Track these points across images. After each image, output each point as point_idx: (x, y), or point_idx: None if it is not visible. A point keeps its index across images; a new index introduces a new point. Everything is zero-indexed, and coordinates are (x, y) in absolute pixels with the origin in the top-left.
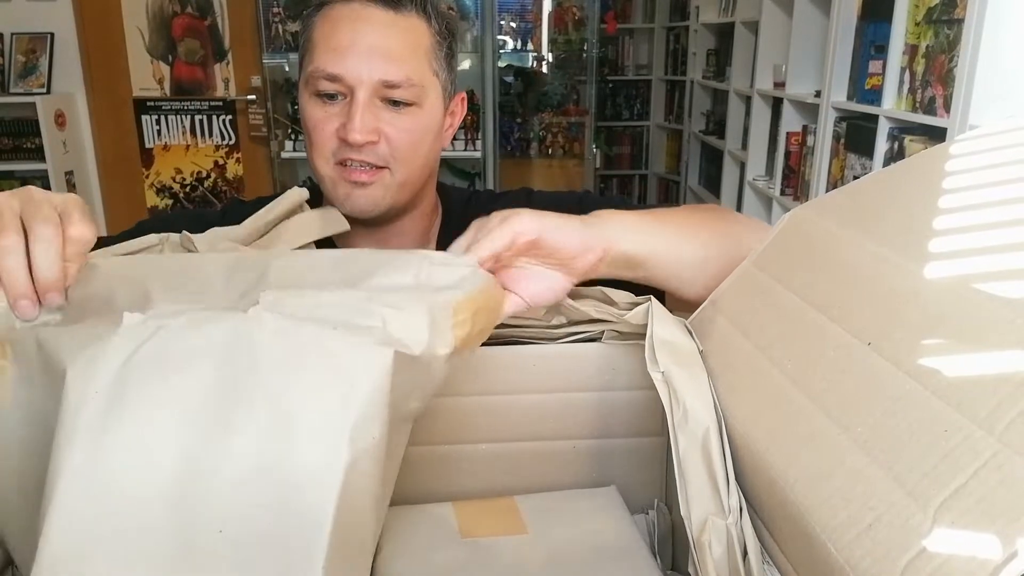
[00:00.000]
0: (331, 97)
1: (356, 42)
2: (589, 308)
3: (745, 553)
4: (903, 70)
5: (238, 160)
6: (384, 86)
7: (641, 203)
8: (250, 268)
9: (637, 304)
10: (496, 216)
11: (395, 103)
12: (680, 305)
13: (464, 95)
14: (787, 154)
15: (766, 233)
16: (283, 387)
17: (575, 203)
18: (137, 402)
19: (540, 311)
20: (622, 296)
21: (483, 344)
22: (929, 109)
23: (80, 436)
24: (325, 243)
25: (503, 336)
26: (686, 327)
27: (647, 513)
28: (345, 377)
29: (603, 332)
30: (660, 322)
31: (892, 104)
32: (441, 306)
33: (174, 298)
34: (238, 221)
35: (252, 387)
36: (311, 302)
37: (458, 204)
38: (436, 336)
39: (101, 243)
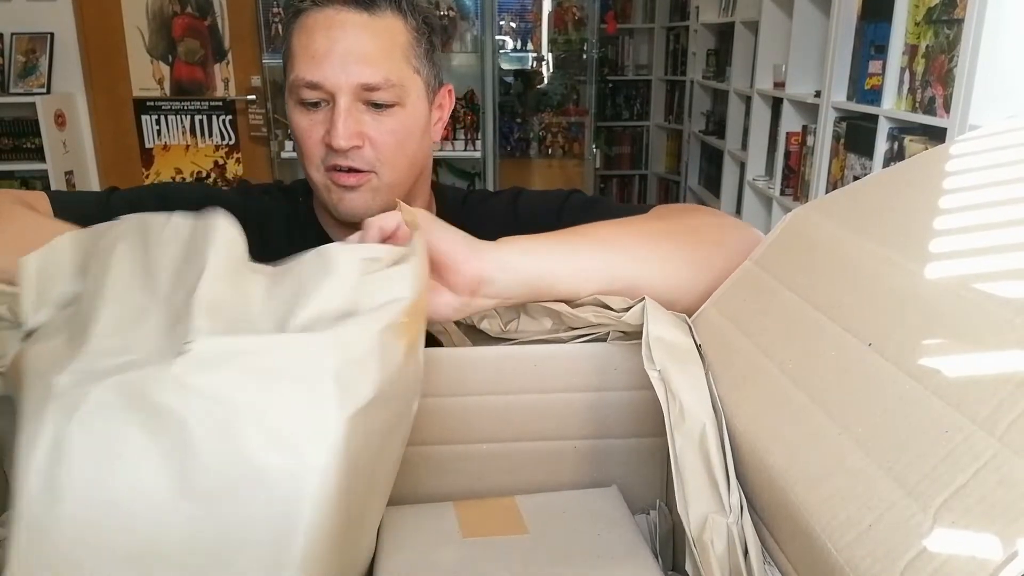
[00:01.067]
0: (315, 105)
1: (332, 48)
2: (588, 314)
3: (746, 552)
4: (903, 70)
5: (238, 160)
6: (364, 89)
7: (641, 202)
8: (189, 270)
9: (632, 306)
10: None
11: (377, 105)
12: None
13: (451, 87)
14: (787, 154)
15: (742, 231)
16: (226, 475)
17: (558, 202)
18: (72, 490)
19: (545, 323)
20: (618, 301)
21: (483, 344)
22: (929, 109)
23: (25, 520)
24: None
25: (509, 342)
26: (686, 324)
27: (648, 513)
28: (292, 464)
29: (608, 333)
30: (655, 321)
31: (892, 104)
32: (388, 325)
33: (113, 329)
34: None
35: (191, 473)
36: (248, 352)
37: (453, 203)
38: (387, 359)
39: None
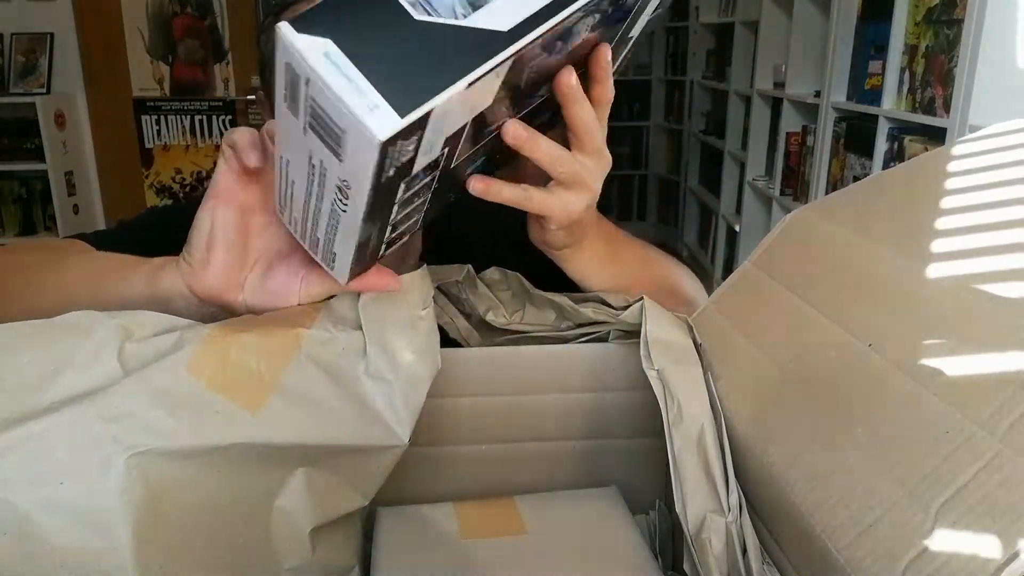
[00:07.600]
0: None
1: None
2: (588, 310)
3: (744, 551)
4: (903, 70)
5: None
6: None
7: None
8: None
9: (631, 304)
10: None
11: None
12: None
13: None
14: (787, 154)
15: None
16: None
17: None
18: None
19: (549, 317)
20: (617, 299)
21: (482, 345)
22: (929, 109)
23: None
24: None
25: (514, 338)
26: (686, 323)
27: (648, 514)
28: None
29: (609, 332)
30: (654, 320)
31: (892, 104)
32: (173, 380)
33: None
34: None
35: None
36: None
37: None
38: (194, 414)
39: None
